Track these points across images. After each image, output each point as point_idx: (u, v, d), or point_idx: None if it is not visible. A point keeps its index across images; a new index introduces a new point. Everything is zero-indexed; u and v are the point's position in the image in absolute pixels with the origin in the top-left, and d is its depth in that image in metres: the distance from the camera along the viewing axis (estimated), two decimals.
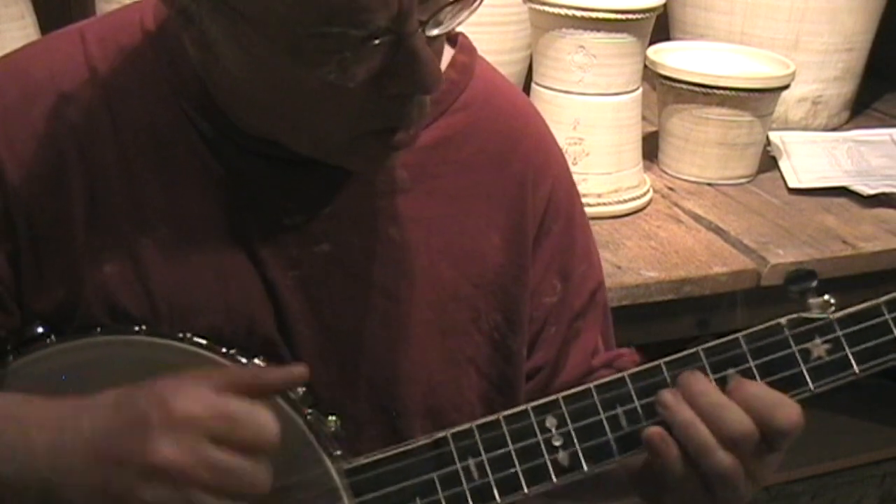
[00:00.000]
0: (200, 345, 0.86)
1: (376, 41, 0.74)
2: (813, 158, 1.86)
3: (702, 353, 0.85)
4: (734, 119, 1.72)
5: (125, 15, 0.92)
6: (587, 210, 1.56)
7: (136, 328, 0.86)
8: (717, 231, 1.58)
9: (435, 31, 0.77)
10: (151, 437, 0.74)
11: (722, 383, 0.84)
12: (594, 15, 1.50)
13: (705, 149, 1.74)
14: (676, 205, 1.67)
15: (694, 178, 1.77)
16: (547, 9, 1.52)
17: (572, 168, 1.56)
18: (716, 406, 0.82)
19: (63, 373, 0.85)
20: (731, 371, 0.85)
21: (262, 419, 0.77)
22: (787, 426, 0.82)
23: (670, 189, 1.74)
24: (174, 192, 0.88)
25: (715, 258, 1.48)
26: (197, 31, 0.79)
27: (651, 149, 1.81)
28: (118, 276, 0.87)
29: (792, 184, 1.76)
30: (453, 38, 0.97)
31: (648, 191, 1.67)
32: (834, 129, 2.05)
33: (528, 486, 0.84)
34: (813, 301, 0.86)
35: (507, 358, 0.96)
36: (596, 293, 1.04)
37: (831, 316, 0.86)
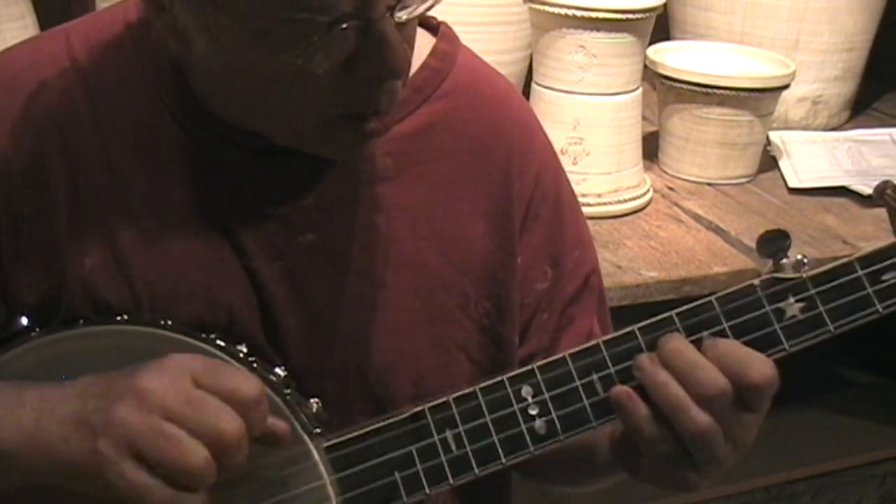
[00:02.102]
0: (184, 332, 0.86)
1: (343, 26, 0.75)
2: (813, 158, 1.86)
3: (675, 317, 0.85)
4: (734, 119, 1.72)
5: (109, 13, 0.93)
6: (587, 210, 1.57)
7: (119, 318, 0.87)
8: (717, 231, 1.58)
9: (404, 16, 0.77)
10: (139, 372, 0.77)
11: (697, 346, 0.84)
12: (594, 15, 1.50)
13: (705, 148, 1.74)
14: (676, 205, 1.67)
15: (694, 178, 1.77)
16: (547, 9, 1.52)
17: (572, 168, 1.58)
18: (690, 364, 0.82)
19: (49, 365, 0.85)
20: (704, 333, 0.84)
21: (243, 377, 0.79)
22: (760, 381, 0.81)
23: (670, 189, 1.74)
24: (157, 184, 0.88)
25: (715, 258, 1.48)
26: (169, 18, 0.80)
27: (651, 149, 1.81)
28: (99, 268, 0.87)
29: (792, 184, 1.76)
30: (434, 27, 0.97)
31: (648, 191, 1.67)
32: (834, 129, 2.05)
33: (505, 456, 0.84)
34: (786, 261, 0.85)
35: (498, 344, 0.96)
36: (590, 278, 1.03)
37: (805, 275, 0.85)
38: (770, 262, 0.86)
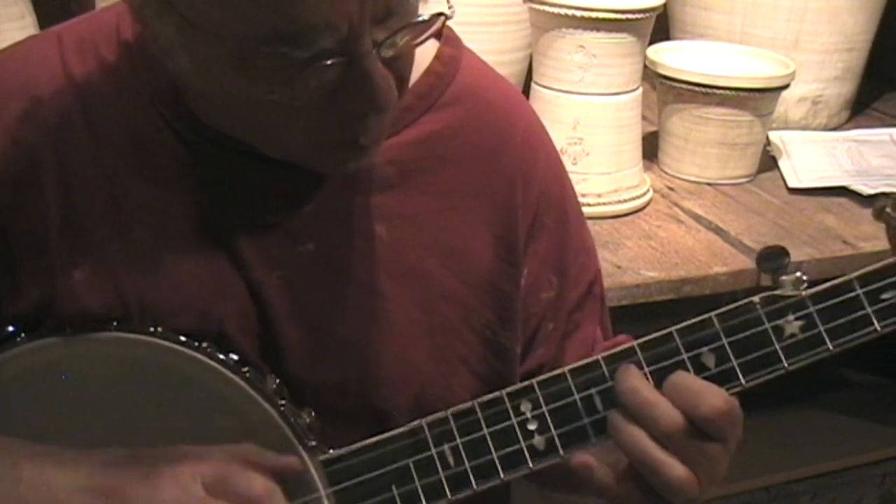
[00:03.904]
0: (174, 340, 0.85)
1: (328, 62, 0.73)
2: (813, 158, 1.86)
3: (675, 334, 0.85)
4: (734, 119, 1.72)
5: (103, 17, 0.91)
6: (587, 210, 1.57)
7: (108, 325, 0.86)
8: (717, 231, 1.58)
9: (391, 53, 0.75)
10: (152, 483, 0.77)
11: (696, 363, 0.84)
12: (594, 15, 1.50)
13: (705, 149, 1.74)
14: (676, 205, 1.67)
15: (694, 178, 1.77)
16: (547, 9, 1.52)
17: (572, 168, 1.58)
18: (645, 403, 0.82)
19: (36, 373, 0.85)
20: (704, 350, 0.84)
21: (252, 478, 0.79)
22: (710, 414, 0.81)
23: (670, 189, 1.74)
24: (153, 194, 0.87)
25: (715, 258, 1.48)
26: (150, 33, 0.78)
27: (651, 149, 1.81)
28: (89, 280, 0.86)
29: (792, 184, 1.76)
30: (438, 31, 0.97)
31: (648, 191, 1.67)
32: (834, 129, 2.05)
33: (504, 472, 0.84)
34: (785, 278, 0.86)
35: (500, 356, 0.95)
36: (593, 284, 1.03)
37: (804, 293, 0.85)
38: (769, 277, 0.86)
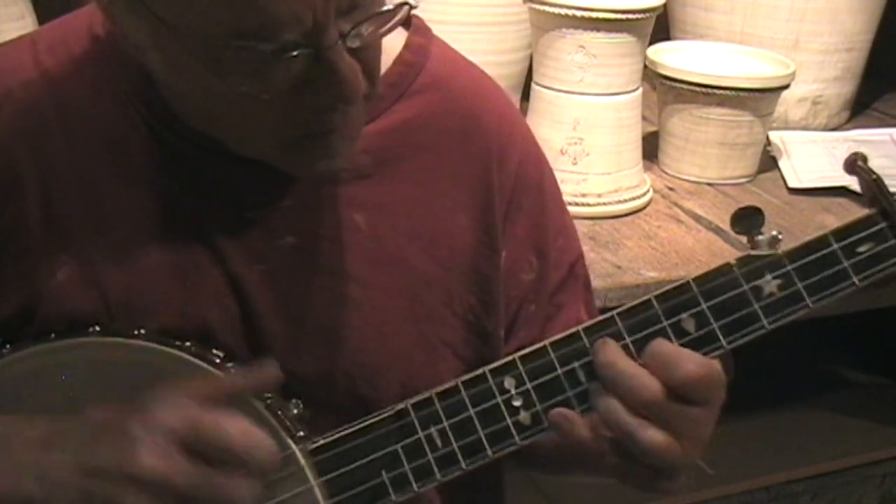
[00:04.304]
0: (157, 340, 0.85)
1: (294, 54, 0.73)
2: (813, 158, 1.86)
3: (654, 300, 0.85)
4: (734, 119, 1.72)
5: (76, 19, 0.91)
6: (587, 210, 1.57)
7: (91, 329, 0.85)
8: (717, 231, 1.58)
9: (357, 43, 0.75)
10: (130, 446, 0.74)
11: (677, 328, 0.84)
12: (594, 15, 1.50)
13: (705, 149, 1.74)
14: (676, 205, 1.67)
15: (694, 178, 1.77)
16: (547, 9, 1.52)
17: (572, 168, 1.58)
18: (622, 375, 0.81)
19: (20, 381, 0.84)
20: (684, 315, 0.84)
21: (238, 434, 0.76)
22: (685, 378, 0.80)
23: (670, 189, 1.74)
24: (131, 193, 0.87)
25: (715, 258, 1.48)
26: (120, 30, 0.79)
27: (651, 149, 1.81)
28: (71, 281, 0.86)
29: (792, 184, 1.76)
30: (407, 21, 0.95)
31: (648, 191, 1.67)
32: (834, 129, 2.05)
33: (491, 449, 0.84)
34: (761, 238, 0.86)
35: (484, 339, 0.95)
36: (575, 266, 1.02)
37: (780, 251, 0.85)
38: (745, 239, 0.86)
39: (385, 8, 0.77)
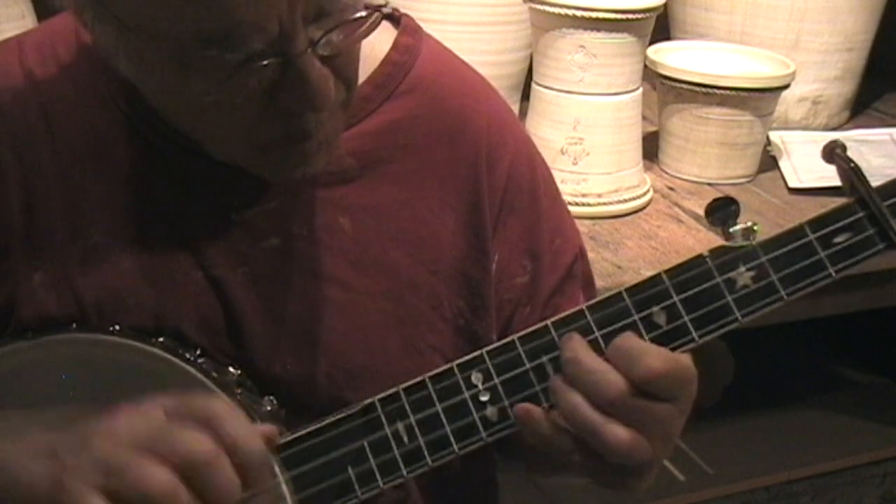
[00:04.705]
0: (133, 336, 0.85)
1: (263, 62, 0.72)
2: (813, 158, 1.86)
3: (625, 294, 0.83)
4: (734, 119, 1.72)
5: (62, 22, 0.91)
6: (587, 210, 1.57)
7: (67, 326, 0.85)
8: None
9: (328, 51, 0.75)
10: (87, 439, 0.73)
11: (647, 322, 0.82)
12: (594, 15, 1.50)
13: (705, 148, 1.74)
14: (677, 205, 1.67)
15: (694, 178, 1.77)
16: (547, 9, 1.52)
17: (572, 168, 1.58)
18: (586, 371, 0.79)
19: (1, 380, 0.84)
20: (655, 308, 0.82)
21: (191, 439, 0.73)
22: (647, 375, 0.78)
23: (670, 189, 1.74)
24: (114, 195, 0.87)
25: None
26: (92, 37, 0.78)
27: (651, 149, 1.81)
28: (48, 283, 0.86)
29: (792, 184, 1.76)
30: (396, 19, 0.95)
31: (648, 190, 1.67)
32: (834, 129, 2.05)
33: (458, 445, 0.83)
34: (735, 229, 0.83)
35: (474, 343, 0.93)
36: (573, 266, 1.01)
37: (754, 242, 0.83)
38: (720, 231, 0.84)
39: (357, 15, 0.76)
